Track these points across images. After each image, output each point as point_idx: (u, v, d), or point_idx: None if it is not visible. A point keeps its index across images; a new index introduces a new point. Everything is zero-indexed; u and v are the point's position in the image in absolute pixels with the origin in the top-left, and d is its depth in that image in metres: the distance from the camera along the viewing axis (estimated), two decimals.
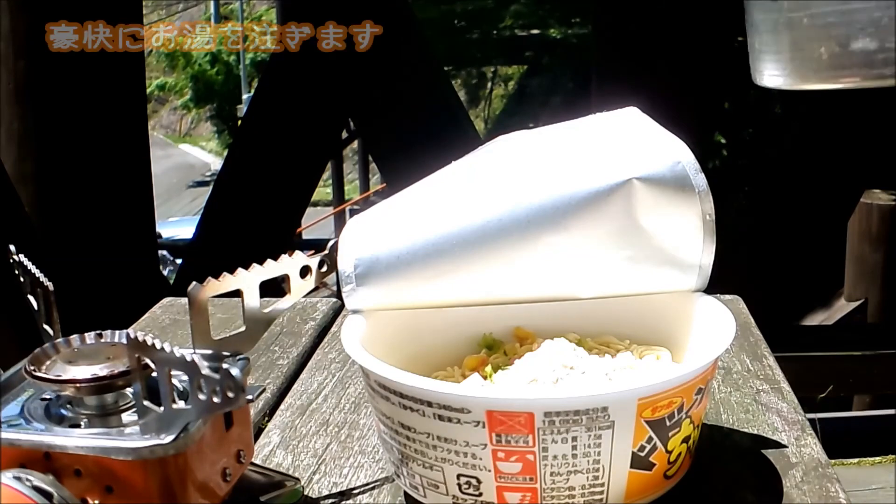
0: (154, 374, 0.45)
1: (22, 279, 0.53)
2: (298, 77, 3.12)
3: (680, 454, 0.53)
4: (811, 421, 0.66)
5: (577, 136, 0.61)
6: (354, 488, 0.59)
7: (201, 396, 0.43)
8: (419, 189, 0.61)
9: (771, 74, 0.53)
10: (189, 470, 0.46)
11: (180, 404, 0.45)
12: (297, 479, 0.58)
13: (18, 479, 0.43)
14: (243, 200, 3.31)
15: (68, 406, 0.49)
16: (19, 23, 2.65)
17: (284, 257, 0.57)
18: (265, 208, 3.29)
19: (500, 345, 0.64)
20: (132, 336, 0.44)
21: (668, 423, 0.51)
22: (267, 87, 3.54)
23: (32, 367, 0.49)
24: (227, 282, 0.54)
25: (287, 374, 0.77)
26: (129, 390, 0.49)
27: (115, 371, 0.48)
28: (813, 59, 0.52)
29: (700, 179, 0.58)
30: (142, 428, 0.46)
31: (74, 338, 0.51)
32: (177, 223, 8.49)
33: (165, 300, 0.96)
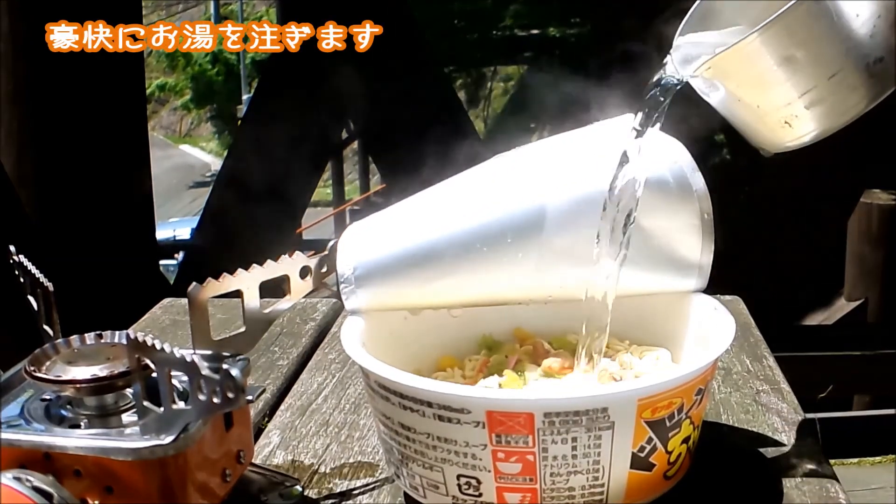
0: (154, 374, 0.45)
1: (22, 280, 0.53)
2: (298, 77, 3.12)
3: (680, 455, 0.53)
4: (811, 421, 0.66)
5: (575, 142, 0.61)
6: (354, 489, 0.59)
7: (201, 397, 0.43)
8: (418, 197, 0.61)
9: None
10: (189, 470, 0.46)
11: (180, 405, 0.45)
12: (297, 480, 0.58)
13: (18, 479, 0.44)
14: (243, 200, 3.31)
15: (68, 406, 0.49)
16: (19, 23, 2.65)
17: (284, 258, 0.57)
18: (265, 208, 3.29)
19: (500, 345, 0.64)
20: (132, 337, 0.44)
21: (668, 424, 0.51)
22: (267, 87, 3.54)
23: (32, 368, 0.49)
24: (227, 282, 0.54)
25: (287, 375, 0.77)
26: (128, 391, 0.49)
27: (115, 372, 0.48)
28: None
29: (698, 179, 0.58)
30: (142, 428, 0.46)
31: (74, 338, 0.51)
32: (177, 223, 8.49)
33: (165, 301, 0.96)
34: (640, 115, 0.55)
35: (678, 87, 0.54)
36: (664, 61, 0.55)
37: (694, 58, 0.54)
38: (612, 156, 0.56)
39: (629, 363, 0.60)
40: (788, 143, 0.55)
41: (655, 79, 0.55)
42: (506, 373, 0.59)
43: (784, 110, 0.53)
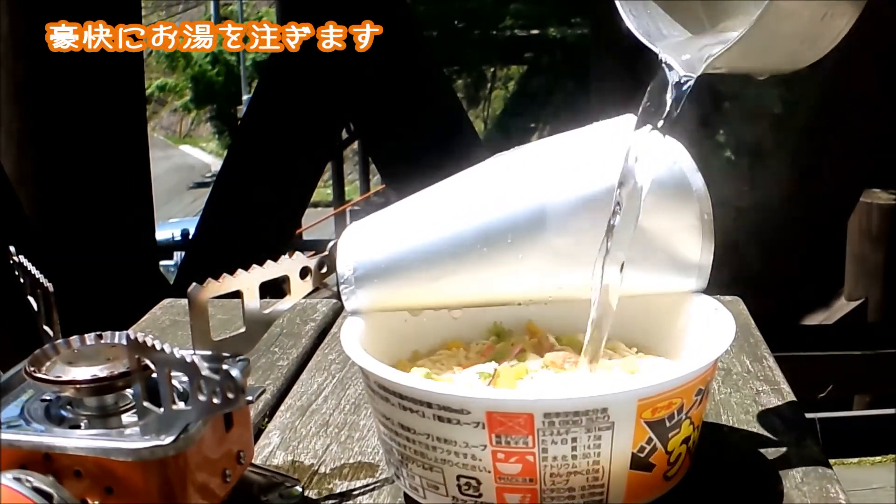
0: (154, 375, 0.45)
1: (22, 280, 0.53)
2: (298, 77, 3.12)
3: (680, 455, 0.53)
4: (811, 421, 0.66)
5: (575, 142, 0.61)
6: (354, 489, 0.59)
7: (201, 397, 0.43)
8: (418, 197, 0.61)
9: None
10: (189, 471, 0.46)
11: (180, 405, 0.45)
12: (297, 480, 0.58)
13: (18, 480, 0.44)
14: (243, 200, 3.31)
15: (68, 407, 0.49)
16: (19, 23, 2.65)
17: (284, 258, 0.57)
18: (265, 208, 3.29)
19: (509, 334, 0.64)
20: (132, 337, 0.44)
21: (667, 424, 0.51)
22: (267, 88, 3.54)
23: (32, 368, 0.49)
24: (227, 283, 0.54)
25: (287, 376, 0.77)
26: (129, 391, 0.49)
27: (115, 372, 0.48)
28: None
29: (697, 180, 0.58)
30: (142, 429, 0.46)
31: (74, 339, 0.51)
32: (177, 224, 8.49)
33: (165, 301, 0.96)
34: (661, 120, 0.55)
35: (693, 85, 0.55)
36: (661, 66, 0.56)
37: (697, 59, 0.54)
38: (616, 157, 0.56)
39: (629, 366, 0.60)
40: (789, 72, 0.58)
41: (668, 84, 0.56)
42: (503, 368, 0.58)
43: (787, 56, 0.57)
